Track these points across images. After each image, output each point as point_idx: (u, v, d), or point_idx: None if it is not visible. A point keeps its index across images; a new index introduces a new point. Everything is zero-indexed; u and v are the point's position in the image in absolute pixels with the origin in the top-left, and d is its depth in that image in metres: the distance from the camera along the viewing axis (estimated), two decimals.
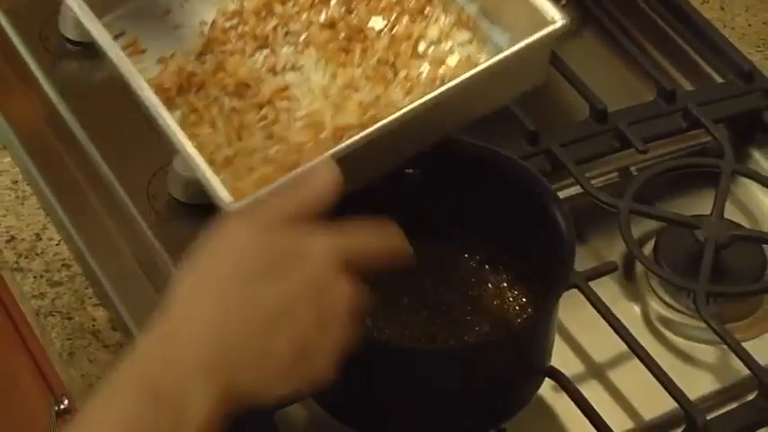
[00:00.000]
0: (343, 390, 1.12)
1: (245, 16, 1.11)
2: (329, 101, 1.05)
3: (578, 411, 1.15)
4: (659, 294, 1.28)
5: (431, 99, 1.00)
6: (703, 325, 1.22)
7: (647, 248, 1.30)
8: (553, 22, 1.03)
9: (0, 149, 1.40)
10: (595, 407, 1.14)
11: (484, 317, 1.12)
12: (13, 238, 1.33)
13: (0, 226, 1.33)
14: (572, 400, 1.15)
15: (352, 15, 1.09)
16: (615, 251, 1.30)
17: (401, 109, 0.99)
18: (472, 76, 1.01)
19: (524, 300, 1.14)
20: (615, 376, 1.22)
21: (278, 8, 1.11)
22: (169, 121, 1.01)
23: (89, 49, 1.46)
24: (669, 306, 1.28)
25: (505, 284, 1.15)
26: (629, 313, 1.26)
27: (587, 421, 1.14)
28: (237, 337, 0.89)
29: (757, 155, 1.40)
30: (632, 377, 1.20)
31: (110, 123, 1.41)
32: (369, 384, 1.11)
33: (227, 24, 1.11)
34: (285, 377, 0.90)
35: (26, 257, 1.31)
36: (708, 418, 1.15)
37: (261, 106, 1.05)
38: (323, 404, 1.13)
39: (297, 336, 0.89)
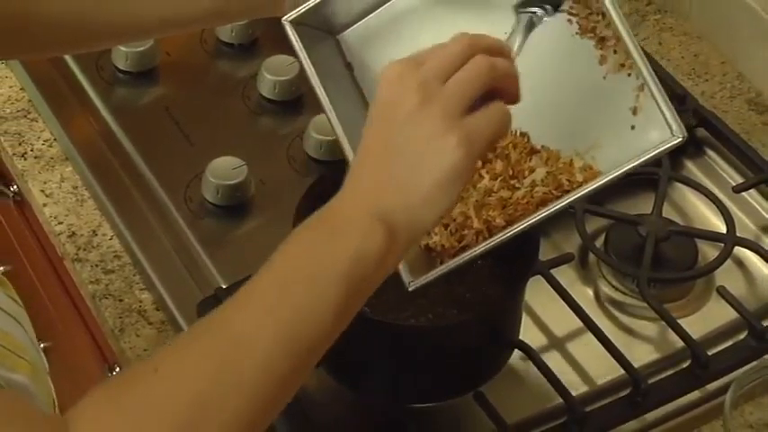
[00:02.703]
0: (346, 358, 1.12)
1: None
2: (471, 201, 1.02)
3: (542, 377, 1.14)
4: (608, 279, 1.27)
5: (560, 207, 0.97)
6: (645, 305, 1.22)
7: (599, 242, 1.29)
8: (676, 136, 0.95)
9: (63, 160, 1.39)
10: (556, 373, 1.14)
11: (465, 299, 1.11)
12: (73, 233, 1.32)
13: (63, 224, 1.32)
14: (537, 367, 1.15)
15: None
16: (572, 244, 1.29)
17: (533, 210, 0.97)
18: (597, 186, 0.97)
19: (497, 285, 1.13)
20: (572, 348, 1.21)
21: None
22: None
23: (136, 77, 1.46)
24: (617, 289, 1.27)
25: (482, 272, 1.14)
26: (584, 295, 1.26)
27: (549, 385, 1.13)
28: (380, 180, 0.85)
29: (690, 164, 1.39)
30: (587, 348, 1.19)
31: (153, 138, 1.40)
32: (372, 354, 1.10)
33: None
34: (429, 204, 0.84)
35: (84, 250, 1.30)
36: (649, 382, 1.15)
37: None
38: (329, 370, 1.13)
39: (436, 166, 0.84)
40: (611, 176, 0.96)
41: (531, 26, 0.98)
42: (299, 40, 1.03)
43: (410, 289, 0.97)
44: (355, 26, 1.08)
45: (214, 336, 0.81)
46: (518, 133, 1.03)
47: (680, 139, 0.95)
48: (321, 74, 1.02)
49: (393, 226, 0.83)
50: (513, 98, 0.88)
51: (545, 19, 0.98)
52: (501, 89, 0.87)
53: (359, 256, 0.82)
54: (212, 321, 0.82)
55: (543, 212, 0.96)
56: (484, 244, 0.96)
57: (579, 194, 0.97)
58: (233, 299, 0.83)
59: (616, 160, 0.97)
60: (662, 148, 0.95)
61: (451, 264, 0.97)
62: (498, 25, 1.05)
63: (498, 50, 0.88)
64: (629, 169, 0.96)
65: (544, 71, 1.03)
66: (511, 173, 1.01)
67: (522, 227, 0.96)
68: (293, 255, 0.84)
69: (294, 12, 1.02)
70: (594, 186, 0.96)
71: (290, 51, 1.40)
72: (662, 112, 0.95)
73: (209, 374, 0.79)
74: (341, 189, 0.86)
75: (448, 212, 0.86)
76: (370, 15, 1.08)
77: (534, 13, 0.98)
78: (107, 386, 0.80)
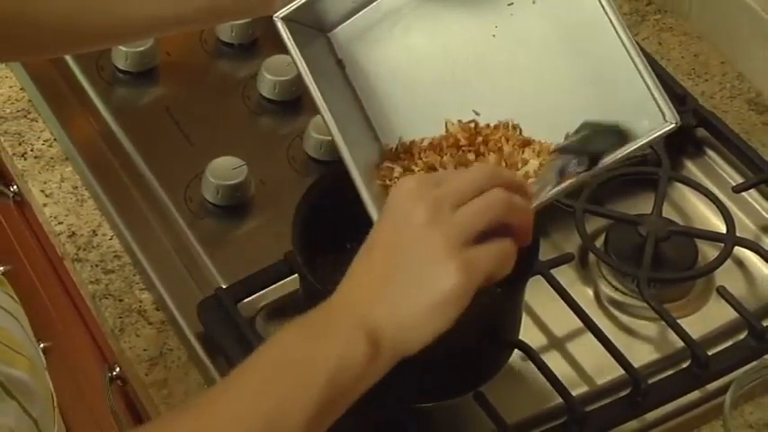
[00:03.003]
0: None
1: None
2: None
3: (542, 377, 1.14)
4: (608, 279, 1.27)
5: (552, 196, 0.96)
6: (645, 305, 1.22)
7: (599, 242, 1.29)
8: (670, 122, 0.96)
9: (63, 160, 1.39)
10: (556, 373, 1.14)
11: None
12: (73, 233, 1.31)
13: (63, 224, 1.32)
14: (537, 367, 1.14)
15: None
16: (572, 244, 1.29)
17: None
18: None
19: (497, 285, 1.12)
20: (572, 348, 1.21)
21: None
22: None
23: (136, 77, 1.45)
24: (617, 289, 1.27)
25: None
26: (584, 295, 1.25)
27: (549, 385, 1.13)
28: (374, 293, 0.83)
29: (689, 164, 1.39)
30: (587, 348, 1.19)
31: (153, 138, 1.40)
32: None
33: None
34: (419, 325, 0.83)
35: (84, 250, 1.30)
36: (649, 382, 1.15)
37: None
38: None
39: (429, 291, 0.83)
40: (611, 158, 0.96)
41: (562, 173, 0.95)
42: (290, 37, 1.03)
43: None
44: (345, 23, 1.08)
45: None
46: (510, 125, 1.02)
47: (672, 125, 0.95)
48: (314, 71, 1.02)
49: (378, 341, 0.82)
50: (524, 238, 0.87)
51: (578, 171, 0.95)
52: (513, 226, 0.86)
53: (339, 367, 0.81)
54: (183, 417, 0.82)
55: (537, 202, 0.95)
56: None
57: (572, 182, 0.96)
58: (209, 392, 0.83)
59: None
60: (655, 135, 0.95)
61: None
62: (487, 20, 1.04)
63: (518, 187, 0.87)
64: (624, 156, 0.96)
65: (535, 63, 1.03)
66: (504, 165, 1.01)
67: (556, 190, 0.96)
68: (277, 355, 0.83)
69: (285, 8, 1.03)
70: (588, 173, 0.96)
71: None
72: (654, 99, 0.95)
73: None
74: (337, 289, 0.85)
75: (435, 338, 0.84)
76: (360, 13, 1.08)
77: (568, 162, 0.95)
78: None
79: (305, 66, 1.02)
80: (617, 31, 0.95)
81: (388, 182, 1.02)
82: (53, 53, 1.34)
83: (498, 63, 1.05)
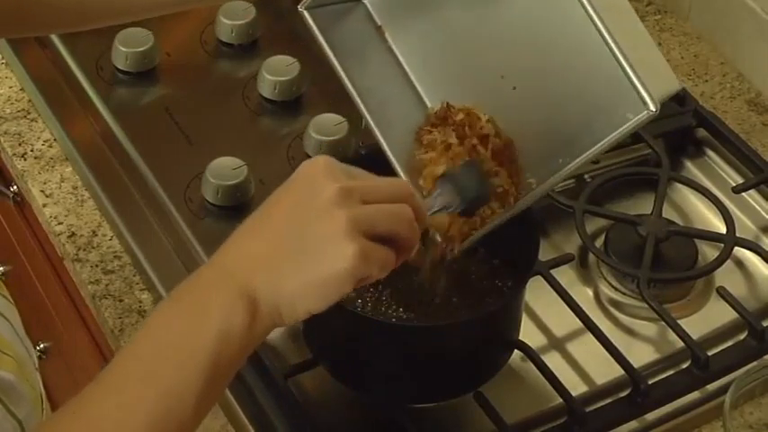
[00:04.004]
0: (346, 358, 1.12)
1: None
2: None
3: (542, 377, 1.14)
4: (608, 280, 1.27)
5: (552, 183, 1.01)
6: (645, 305, 1.22)
7: (599, 242, 1.29)
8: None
9: (63, 161, 1.39)
10: (556, 374, 1.14)
11: (464, 299, 1.11)
12: (73, 234, 1.32)
13: (63, 224, 1.32)
14: (537, 368, 1.15)
15: None
16: (572, 244, 1.29)
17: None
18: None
19: (497, 285, 1.13)
20: (572, 348, 1.21)
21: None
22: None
23: (136, 77, 1.46)
24: (617, 289, 1.27)
25: (483, 273, 1.14)
26: (584, 296, 1.26)
27: (549, 385, 1.13)
28: (259, 259, 0.83)
29: (689, 164, 1.40)
30: (586, 349, 1.19)
31: (154, 139, 1.40)
32: (372, 354, 1.10)
33: None
34: (300, 298, 0.82)
35: (84, 250, 1.30)
36: (649, 382, 1.15)
37: None
38: (329, 370, 1.12)
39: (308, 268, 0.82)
40: (594, 149, 0.98)
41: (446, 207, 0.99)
42: (316, 25, 1.02)
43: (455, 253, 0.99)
44: None
45: (81, 426, 0.79)
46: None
47: (653, 112, 0.95)
48: (346, 50, 1.02)
49: (256, 308, 0.81)
50: (398, 263, 0.86)
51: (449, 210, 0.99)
52: (398, 247, 0.85)
53: (220, 341, 0.80)
54: (78, 408, 0.81)
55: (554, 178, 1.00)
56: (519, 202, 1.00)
57: (575, 163, 0.99)
58: (93, 387, 0.82)
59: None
60: (631, 124, 0.96)
61: (491, 224, 1.00)
62: None
63: (420, 215, 0.87)
64: (606, 146, 0.97)
65: (524, 64, 1.03)
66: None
67: (542, 187, 1.00)
68: (157, 336, 0.82)
69: None
70: (587, 155, 0.98)
71: (291, 51, 1.42)
72: (635, 87, 0.95)
73: None
74: (218, 251, 0.84)
75: (309, 315, 0.83)
76: None
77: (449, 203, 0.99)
78: None
79: (332, 53, 1.02)
80: (594, 21, 0.96)
81: (424, 148, 1.04)
82: (56, 30, 1.33)
83: (507, 28, 1.04)
